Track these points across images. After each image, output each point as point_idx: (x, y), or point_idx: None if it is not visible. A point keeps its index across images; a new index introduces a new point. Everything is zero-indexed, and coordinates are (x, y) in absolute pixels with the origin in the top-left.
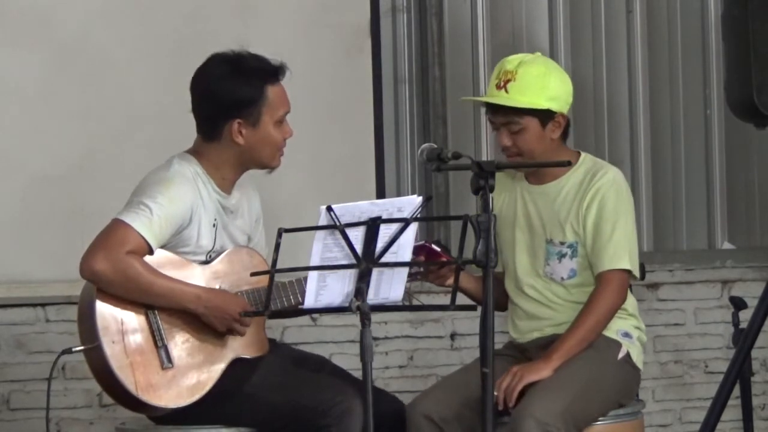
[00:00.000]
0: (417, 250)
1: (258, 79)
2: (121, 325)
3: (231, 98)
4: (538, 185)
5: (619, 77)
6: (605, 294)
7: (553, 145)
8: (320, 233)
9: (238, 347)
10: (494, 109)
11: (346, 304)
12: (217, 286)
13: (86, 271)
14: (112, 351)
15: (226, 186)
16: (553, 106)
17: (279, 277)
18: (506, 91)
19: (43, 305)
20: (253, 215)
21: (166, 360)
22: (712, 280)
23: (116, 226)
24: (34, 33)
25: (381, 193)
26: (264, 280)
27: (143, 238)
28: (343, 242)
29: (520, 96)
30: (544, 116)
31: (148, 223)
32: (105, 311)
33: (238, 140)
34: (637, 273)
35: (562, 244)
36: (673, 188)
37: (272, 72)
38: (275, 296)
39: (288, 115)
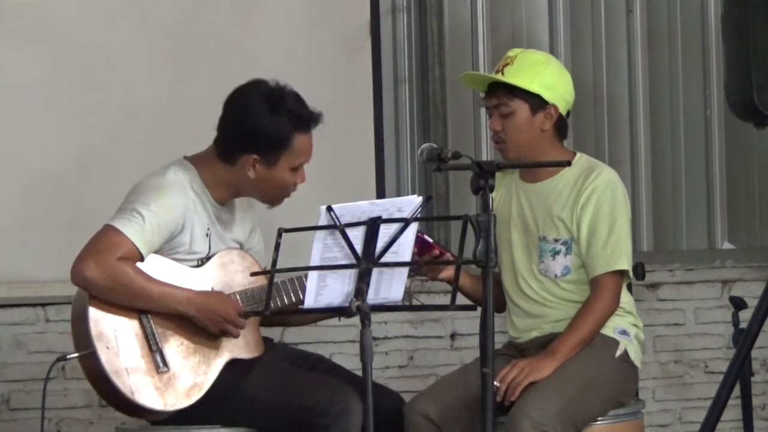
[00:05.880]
0: None
1: (289, 123)
2: (114, 331)
3: (256, 134)
4: (532, 183)
5: (619, 77)
6: (604, 297)
7: (544, 138)
8: (320, 233)
9: (234, 348)
10: (489, 93)
11: (346, 304)
12: (210, 288)
13: (77, 278)
14: (106, 357)
15: (221, 199)
16: (545, 94)
17: (277, 277)
18: (503, 74)
19: (43, 305)
20: (246, 226)
21: (161, 364)
22: (712, 280)
23: (107, 232)
24: (34, 33)
25: (381, 193)
26: (257, 280)
27: (134, 245)
28: (343, 242)
29: (513, 78)
30: (535, 103)
31: (139, 230)
32: (98, 317)
33: (249, 173)
34: (631, 273)
35: (556, 241)
36: (673, 188)
37: (305, 120)
38: (273, 295)
39: None
